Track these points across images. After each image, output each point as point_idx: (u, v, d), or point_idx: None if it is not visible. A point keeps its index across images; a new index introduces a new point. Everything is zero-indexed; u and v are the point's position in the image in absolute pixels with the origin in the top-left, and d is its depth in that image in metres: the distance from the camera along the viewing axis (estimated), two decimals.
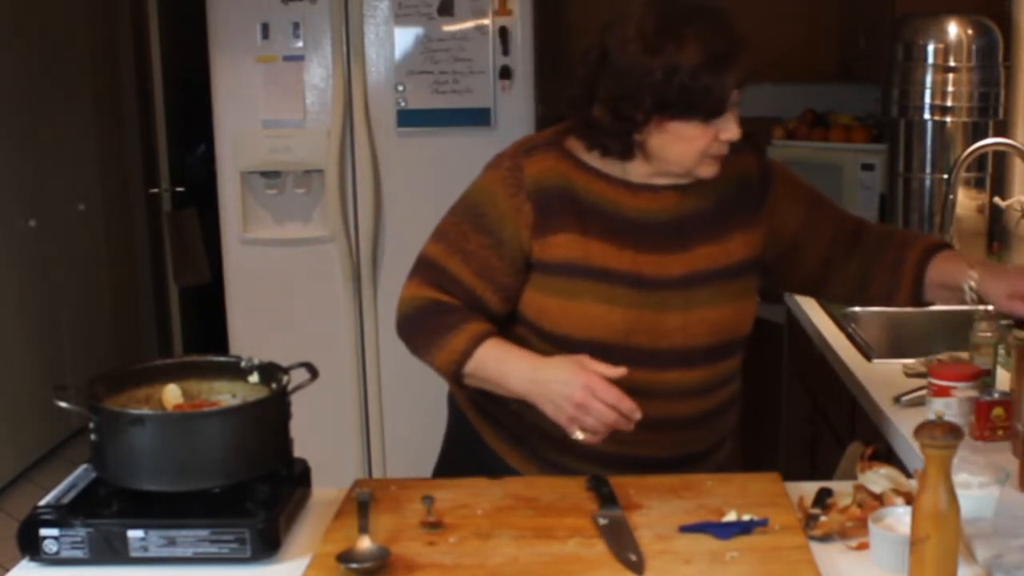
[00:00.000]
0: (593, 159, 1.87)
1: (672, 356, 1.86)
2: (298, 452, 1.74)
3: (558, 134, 1.91)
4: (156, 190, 5.28)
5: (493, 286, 1.85)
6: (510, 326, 1.90)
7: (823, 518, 1.63)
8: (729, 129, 1.80)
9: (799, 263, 2.00)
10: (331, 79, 3.66)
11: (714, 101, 1.76)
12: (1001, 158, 3.27)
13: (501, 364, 1.79)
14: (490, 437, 1.99)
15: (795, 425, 3.25)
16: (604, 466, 1.85)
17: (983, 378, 2.04)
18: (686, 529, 1.61)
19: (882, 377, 2.35)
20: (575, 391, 1.71)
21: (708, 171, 1.84)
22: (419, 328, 1.86)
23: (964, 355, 2.24)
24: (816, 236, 1.99)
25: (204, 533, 1.55)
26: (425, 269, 1.89)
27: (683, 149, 1.80)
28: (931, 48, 3.11)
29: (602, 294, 1.83)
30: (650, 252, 1.86)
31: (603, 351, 1.79)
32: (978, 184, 3.19)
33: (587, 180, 1.86)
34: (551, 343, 1.85)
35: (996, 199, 3.23)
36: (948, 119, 3.12)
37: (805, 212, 1.98)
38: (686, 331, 1.86)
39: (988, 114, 3.12)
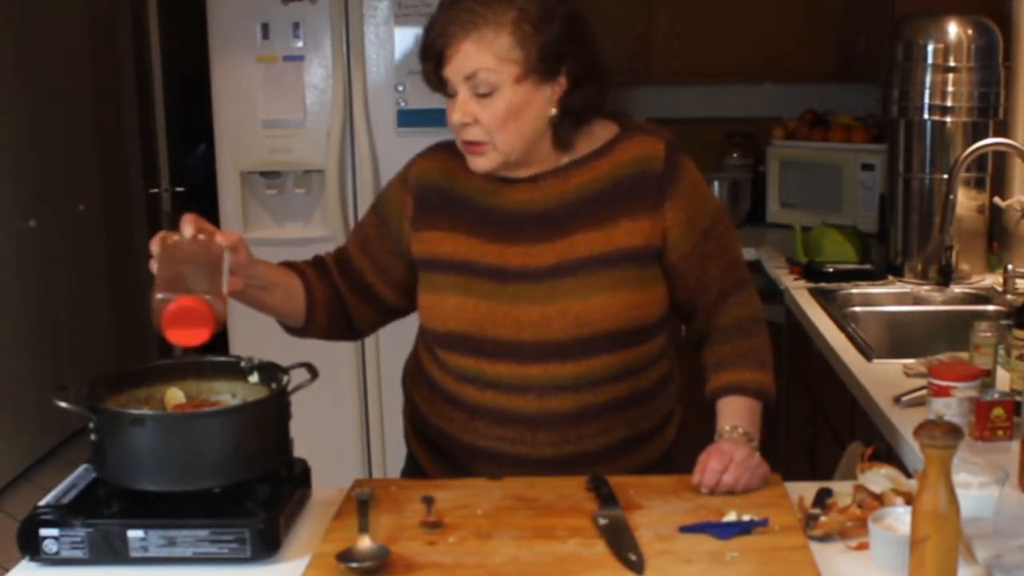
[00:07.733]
0: None
1: (535, 349, 1.82)
2: (298, 452, 1.74)
3: None
4: (156, 190, 5.28)
5: (369, 259, 1.96)
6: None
7: (823, 518, 1.63)
8: (449, 110, 1.81)
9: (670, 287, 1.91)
10: (331, 79, 3.66)
11: (425, 73, 1.81)
12: (1001, 158, 3.27)
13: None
14: (412, 439, 2.04)
15: (795, 425, 3.25)
16: (501, 465, 1.86)
17: (983, 378, 2.04)
18: (686, 529, 1.61)
19: (882, 377, 2.35)
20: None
21: (469, 161, 1.84)
22: None
23: (964, 355, 2.25)
24: (690, 277, 1.89)
25: (204, 533, 1.55)
26: None
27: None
28: (931, 48, 3.11)
29: (461, 286, 1.85)
30: (522, 243, 1.84)
31: (462, 342, 1.85)
32: (978, 184, 3.19)
33: (468, 177, 1.87)
34: (428, 338, 1.92)
35: (996, 199, 3.23)
36: (948, 119, 3.12)
37: (691, 248, 1.87)
38: (546, 324, 1.81)
39: (988, 114, 3.12)
